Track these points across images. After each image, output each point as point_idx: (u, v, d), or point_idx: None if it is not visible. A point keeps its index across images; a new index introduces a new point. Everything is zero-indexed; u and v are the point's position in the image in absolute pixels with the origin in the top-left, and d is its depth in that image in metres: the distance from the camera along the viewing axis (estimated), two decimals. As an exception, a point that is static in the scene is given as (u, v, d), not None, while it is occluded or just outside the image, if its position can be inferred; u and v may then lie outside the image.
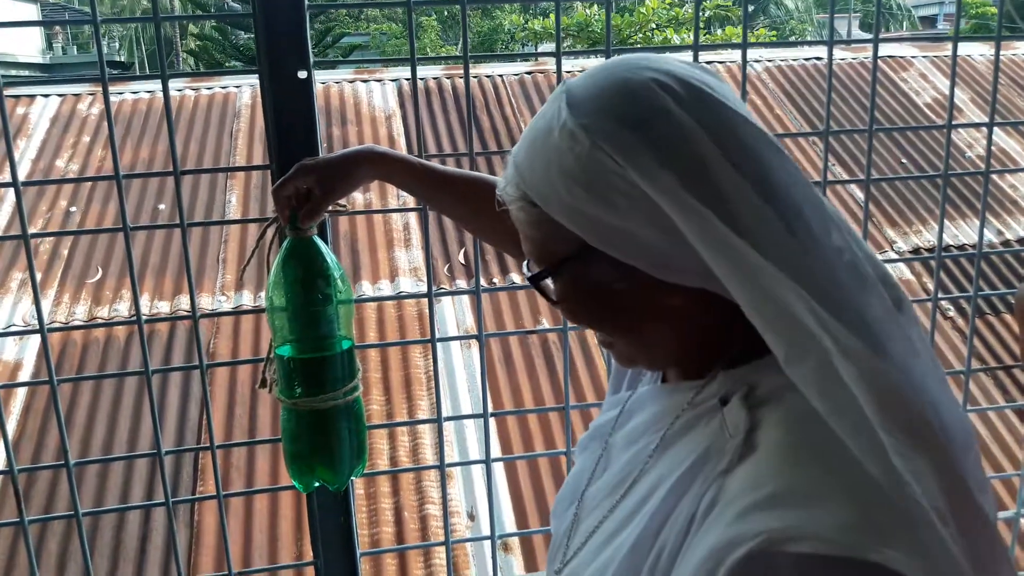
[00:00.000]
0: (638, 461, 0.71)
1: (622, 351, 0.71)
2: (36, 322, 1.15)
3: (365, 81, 4.44)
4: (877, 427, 0.55)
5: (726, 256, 0.59)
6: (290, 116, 1.11)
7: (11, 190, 3.54)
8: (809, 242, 0.60)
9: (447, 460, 1.32)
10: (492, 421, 2.83)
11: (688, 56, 1.22)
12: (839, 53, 4.87)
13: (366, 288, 3.36)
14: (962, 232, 3.92)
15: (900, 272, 3.67)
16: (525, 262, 0.73)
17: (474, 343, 3.20)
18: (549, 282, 0.71)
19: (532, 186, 0.66)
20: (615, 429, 0.79)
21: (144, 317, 1.18)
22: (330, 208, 1.08)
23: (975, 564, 0.55)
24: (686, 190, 0.60)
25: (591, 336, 3.27)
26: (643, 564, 0.64)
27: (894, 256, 3.74)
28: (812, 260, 0.59)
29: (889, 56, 4.91)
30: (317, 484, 1.08)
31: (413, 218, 3.70)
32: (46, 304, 3.18)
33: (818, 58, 4.87)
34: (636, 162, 0.61)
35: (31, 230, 1.13)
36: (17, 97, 4.11)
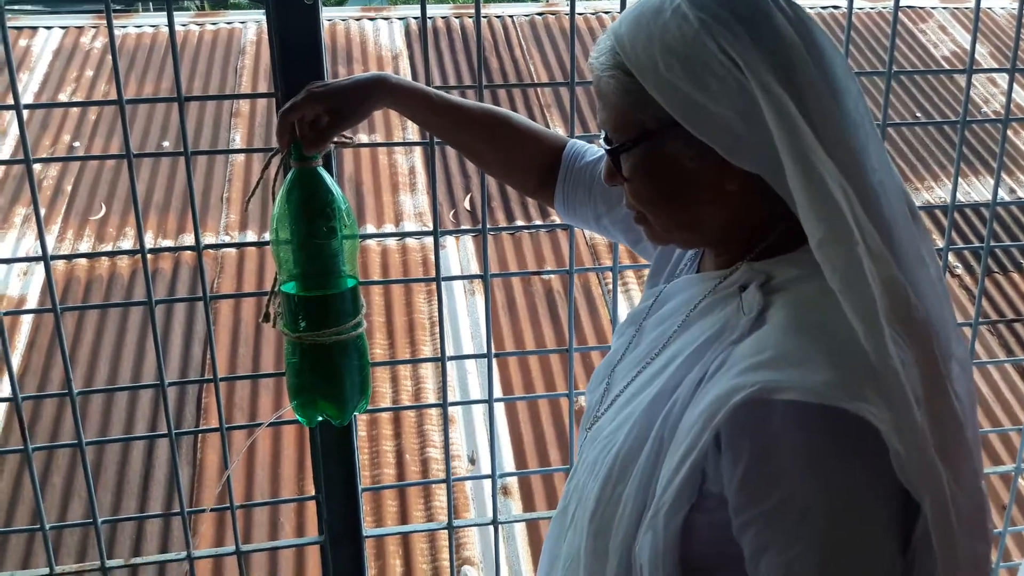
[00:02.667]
0: (663, 338, 0.81)
1: (662, 227, 0.79)
2: (40, 254, 1.14)
3: (372, 19, 4.36)
4: (882, 316, 0.64)
5: (795, 140, 0.67)
6: (296, 44, 1.08)
7: (14, 124, 3.51)
8: (858, 150, 0.70)
9: (450, 402, 1.31)
10: (495, 366, 2.84)
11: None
12: (858, 2, 4.77)
13: (370, 231, 3.34)
14: (974, 189, 3.87)
15: (909, 227, 3.64)
16: (602, 135, 0.79)
17: (478, 291, 3.19)
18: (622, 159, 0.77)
19: (631, 56, 0.72)
20: (649, 314, 0.87)
21: (148, 249, 1.17)
22: (336, 139, 1.06)
23: (939, 449, 0.64)
24: (775, 79, 0.68)
25: (595, 284, 3.25)
26: (659, 415, 0.74)
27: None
28: (859, 166, 0.69)
29: (908, 6, 4.81)
30: (320, 418, 1.08)
31: (419, 161, 3.66)
32: (50, 240, 3.17)
33: (835, 7, 4.77)
34: (736, 50, 0.68)
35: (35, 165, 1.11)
36: (19, 28, 4.05)
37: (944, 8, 4.86)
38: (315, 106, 0.96)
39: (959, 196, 3.80)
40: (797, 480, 0.64)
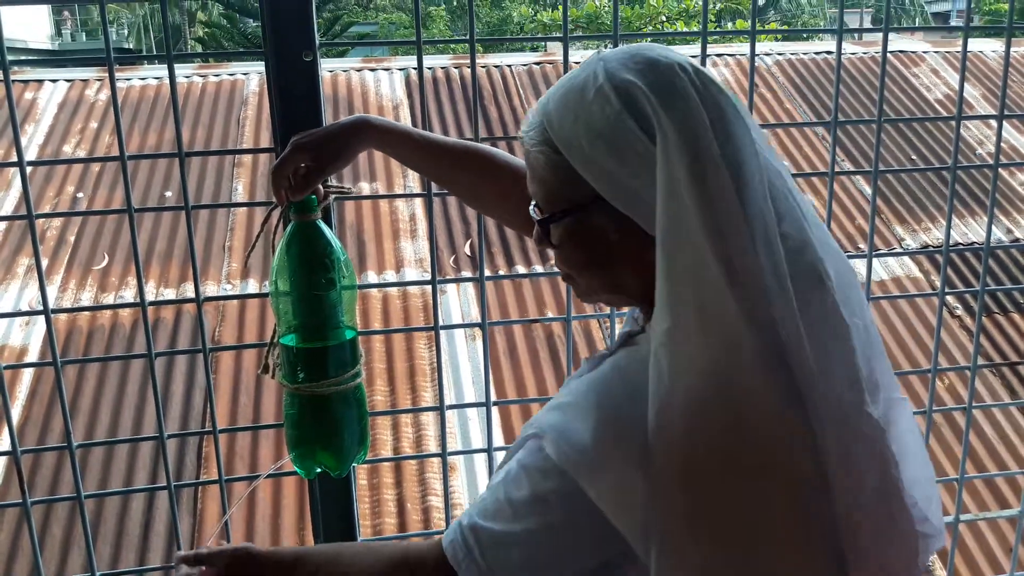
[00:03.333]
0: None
1: (587, 289, 0.83)
2: (41, 306, 1.15)
3: (373, 70, 4.43)
4: (654, 417, 0.71)
5: (670, 224, 0.71)
6: (295, 98, 1.10)
7: (18, 177, 3.55)
8: (756, 221, 0.72)
9: (450, 451, 1.31)
10: (496, 413, 2.82)
11: (696, 48, 1.22)
12: (850, 48, 4.84)
13: (371, 278, 3.36)
14: (971, 230, 3.90)
15: (908, 270, 3.65)
16: (533, 204, 0.82)
17: (478, 337, 3.19)
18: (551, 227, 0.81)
19: (559, 134, 0.76)
20: None
21: (148, 301, 1.18)
22: (335, 191, 1.08)
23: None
24: (680, 158, 0.70)
25: (596, 328, 3.26)
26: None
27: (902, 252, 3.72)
28: (748, 241, 0.71)
29: (900, 51, 4.88)
30: (319, 470, 1.08)
31: (419, 208, 3.69)
32: (52, 290, 3.19)
33: (828, 52, 4.85)
34: (654, 128, 0.71)
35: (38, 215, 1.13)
36: (26, 82, 4.11)
37: (936, 52, 4.94)
38: (301, 157, 0.98)
39: (956, 237, 3.82)
40: (523, 513, 0.76)
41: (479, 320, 3.08)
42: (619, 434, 0.73)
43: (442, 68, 4.47)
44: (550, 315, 3.27)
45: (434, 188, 1.20)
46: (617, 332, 0.97)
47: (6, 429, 2.75)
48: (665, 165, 0.70)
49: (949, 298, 3.47)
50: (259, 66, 4.50)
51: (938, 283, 3.54)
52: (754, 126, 0.77)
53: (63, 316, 3.11)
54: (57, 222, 3.47)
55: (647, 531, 0.71)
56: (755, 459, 0.69)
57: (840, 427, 0.72)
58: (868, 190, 4.01)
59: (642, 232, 0.74)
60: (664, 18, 10.80)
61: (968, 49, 1.35)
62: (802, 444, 0.69)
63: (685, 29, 10.36)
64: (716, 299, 0.69)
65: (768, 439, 0.69)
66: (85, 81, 4.21)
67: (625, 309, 1.00)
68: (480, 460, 2.77)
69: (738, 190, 0.71)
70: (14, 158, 1.10)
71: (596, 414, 0.75)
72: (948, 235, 1.39)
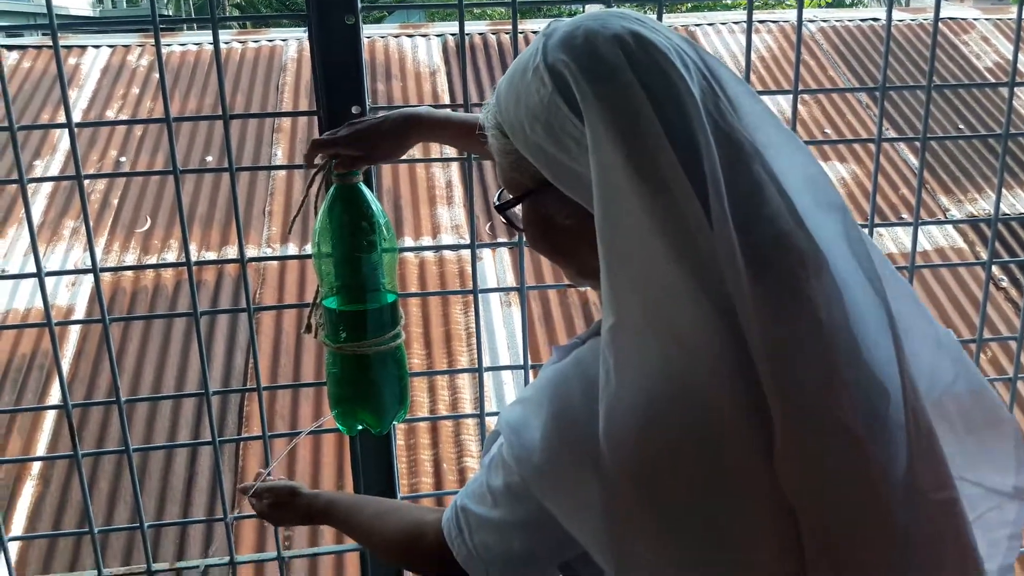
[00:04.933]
0: None
1: (566, 274, 0.80)
2: (88, 266, 1.18)
3: (411, 36, 4.42)
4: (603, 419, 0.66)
5: (605, 209, 0.65)
6: (337, 63, 1.11)
7: (64, 140, 3.62)
8: (706, 197, 0.63)
9: (487, 412, 1.33)
10: (531, 376, 2.84)
11: (737, 15, 1.20)
12: (897, 14, 4.72)
13: (408, 244, 3.38)
14: (1020, 201, 3.81)
15: (952, 240, 3.58)
16: (499, 191, 0.80)
17: (514, 302, 3.21)
18: (517, 210, 0.78)
19: (505, 117, 0.73)
20: None
21: (193, 262, 1.20)
22: None
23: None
24: (611, 139, 0.64)
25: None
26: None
27: (947, 222, 3.65)
28: (703, 241, 0.63)
29: (950, 17, 4.74)
30: (360, 427, 1.10)
31: (456, 175, 3.70)
32: (97, 252, 3.25)
33: (874, 19, 4.73)
34: (584, 114, 0.66)
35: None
36: (70, 47, 4.17)
37: (987, 19, 4.79)
38: (355, 147, 1.01)
39: (1003, 208, 3.73)
40: (501, 502, 0.75)
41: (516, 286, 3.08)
42: (570, 436, 0.69)
43: (479, 34, 4.44)
44: (586, 283, 3.26)
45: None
46: None
47: (55, 385, 2.83)
48: (596, 149, 0.65)
49: (995, 270, 3.40)
50: (298, 32, 4.51)
51: (983, 254, 3.48)
52: (740, 94, 0.69)
53: (107, 278, 3.17)
54: (101, 185, 3.53)
55: (602, 539, 0.67)
56: (709, 467, 0.63)
57: (806, 435, 0.62)
58: (912, 160, 3.93)
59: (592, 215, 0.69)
60: (706, -17, 10.59)
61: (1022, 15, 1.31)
62: (760, 453, 0.61)
63: (727, -6, 10.16)
64: (665, 294, 0.63)
65: (723, 447, 0.62)
66: (127, 47, 4.25)
67: None
68: (514, 425, 2.79)
69: (689, 171, 0.63)
70: (61, 122, 1.12)
71: (549, 411, 0.71)
72: (998, 203, 1.36)
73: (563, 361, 0.75)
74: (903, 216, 3.62)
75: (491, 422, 2.75)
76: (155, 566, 1.33)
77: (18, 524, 2.49)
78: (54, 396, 2.81)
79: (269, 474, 1.12)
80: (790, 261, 0.64)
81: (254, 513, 1.10)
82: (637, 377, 0.64)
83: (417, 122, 1.04)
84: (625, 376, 0.64)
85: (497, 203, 0.79)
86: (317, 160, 1.05)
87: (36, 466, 2.62)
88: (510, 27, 1.10)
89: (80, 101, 3.87)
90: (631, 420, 0.63)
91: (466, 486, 0.80)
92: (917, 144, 3.97)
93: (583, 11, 0.79)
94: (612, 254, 0.66)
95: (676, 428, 0.63)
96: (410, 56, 4.27)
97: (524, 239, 0.85)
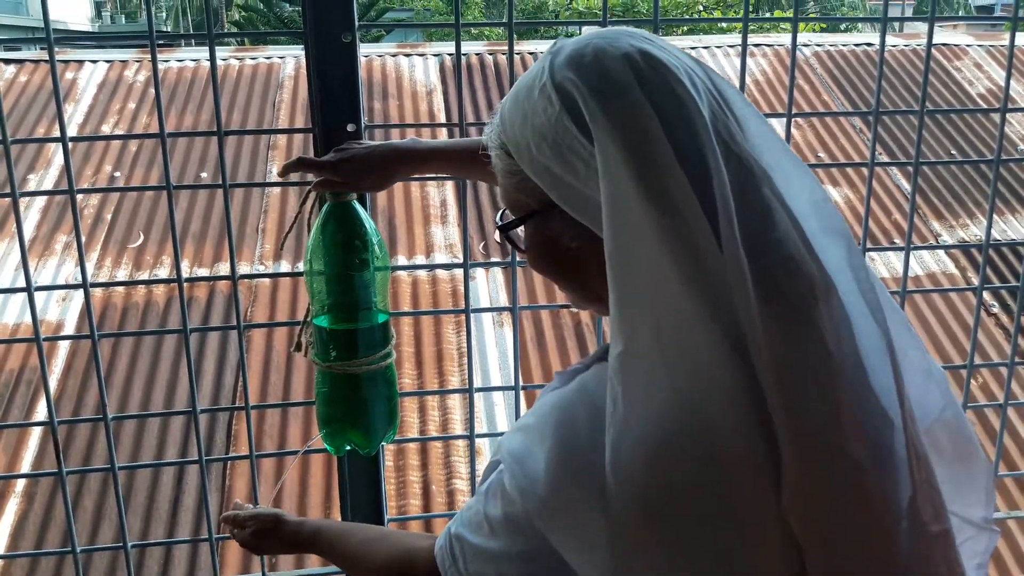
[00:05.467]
0: None
1: (570, 298, 0.79)
2: (79, 281, 1.17)
3: (408, 55, 4.43)
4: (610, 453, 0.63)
5: (614, 236, 0.64)
6: (334, 80, 1.11)
7: (59, 155, 3.61)
8: (719, 218, 0.62)
9: (477, 434, 1.32)
10: (522, 397, 2.84)
11: (732, 38, 1.20)
12: (890, 40, 4.76)
13: (402, 263, 3.38)
14: (1011, 228, 3.82)
15: (944, 266, 3.60)
16: (500, 211, 0.78)
17: (506, 323, 3.20)
18: (520, 231, 0.77)
19: (510, 137, 0.72)
20: None
21: (184, 278, 1.19)
22: None
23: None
24: (622, 161, 0.63)
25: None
26: None
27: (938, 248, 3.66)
28: (712, 271, 0.61)
29: (943, 44, 4.79)
30: (349, 448, 1.09)
31: (451, 194, 3.70)
32: (88, 267, 3.23)
33: (868, 44, 4.77)
34: (593, 134, 0.64)
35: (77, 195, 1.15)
36: (67, 62, 4.17)
37: (979, 46, 4.84)
38: (336, 175, 1.02)
39: (995, 234, 3.75)
40: (498, 531, 0.72)
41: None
42: (576, 466, 0.66)
43: (476, 54, 4.47)
44: (579, 304, 3.26)
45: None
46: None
47: (42, 401, 2.80)
48: (605, 171, 0.64)
49: (986, 296, 3.41)
50: (295, 50, 4.52)
51: (974, 280, 3.49)
52: (747, 116, 0.68)
53: (98, 293, 3.15)
54: (95, 200, 3.52)
55: (607, 572, 0.65)
56: (719, 500, 0.61)
57: (814, 467, 0.61)
58: (905, 185, 3.95)
59: (600, 238, 0.67)
60: (702, 7, 10.70)
61: (1015, 43, 1.32)
62: (769, 485, 0.60)
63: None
64: (675, 320, 0.61)
65: (733, 480, 0.61)
66: (124, 62, 4.26)
67: None
68: (506, 446, 2.77)
69: (699, 193, 0.62)
70: (56, 134, 1.11)
71: (553, 440, 0.68)
72: (989, 229, 1.36)
73: (566, 387, 0.72)
74: (895, 241, 3.63)
75: (481, 444, 2.74)
76: (139, 587, 1.30)
77: (0, 542, 2.46)
78: (40, 413, 2.78)
79: (256, 504, 1.10)
80: (799, 286, 0.63)
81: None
82: (646, 407, 0.62)
83: (403, 156, 1.04)
84: (634, 406, 0.62)
85: (499, 223, 0.77)
86: (308, 176, 1.05)
87: (20, 483, 2.59)
88: (506, 47, 1.10)
89: (76, 116, 3.86)
90: (640, 451, 0.62)
91: (460, 513, 0.77)
92: (910, 169, 4.00)
93: (579, 32, 0.78)
94: (621, 279, 0.64)
95: (686, 460, 0.61)
96: (407, 75, 4.29)
97: (522, 260, 0.84)
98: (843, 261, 0.66)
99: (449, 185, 3.73)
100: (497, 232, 0.78)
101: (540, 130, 0.68)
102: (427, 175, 1.10)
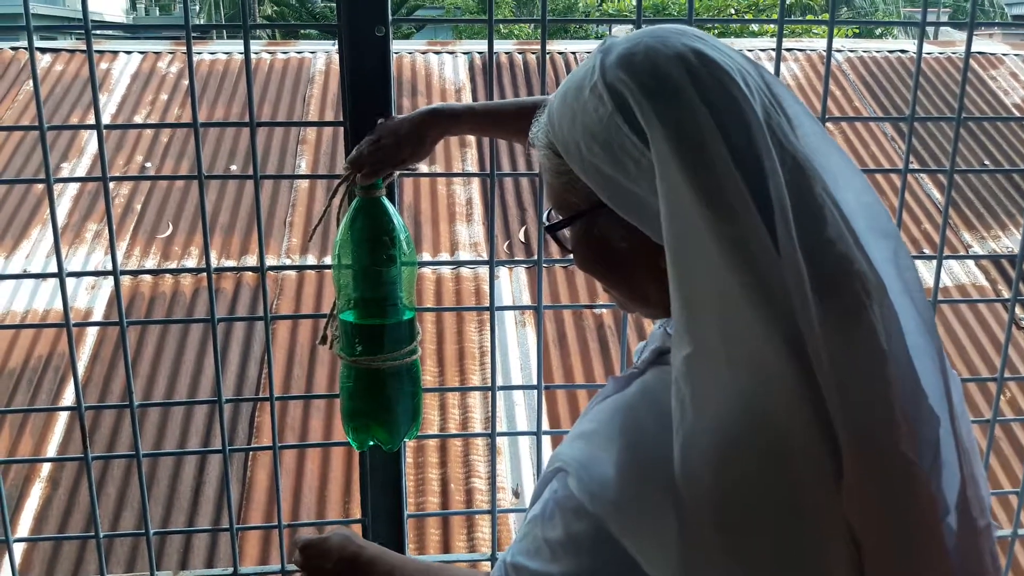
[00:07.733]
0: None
1: (617, 299, 0.79)
2: (109, 269, 1.18)
3: (437, 53, 4.44)
4: (680, 455, 0.63)
5: (675, 240, 0.63)
6: (366, 72, 1.11)
7: (92, 143, 3.65)
8: (777, 219, 0.62)
9: (498, 432, 1.32)
10: (543, 398, 2.84)
11: (768, 43, 1.19)
12: (925, 47, 4.70)
13: (427, 260, 3.38)
14: (1044, 240, 3.76)
15: (974, 277, 3.54)
16: (547, 211, 0.78)
17: (529, 323, 3.19)
18: (566, 231, 0.76)
19: (558, 136, 0.71)
20: None
21: (213, 268, 1.20)
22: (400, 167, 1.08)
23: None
24: (677, 159, 0.63)
25: (648, 322, 3.23)
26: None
27: (969, 258, 3.60)
28: (768, 266, 0.62)
29: (978, 52, 4.72)
30: (371, 443, 1.09)
31: (476, 193, 3.70)
32: (118, 256, 3.27)
33: (902, 50, 4.71)
34: (647, 134, 0.64)
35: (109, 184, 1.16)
36: (101, 52, 4.22)
37: (1016, 55, 4.77)
38: (376, 159, 1.03)
39: (1028, 247, 3.69)
40: (560, 553, 0.69)
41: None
42: (647, 467, 0.66)
43: (506, 53, 4.46)
44: (602, 303, 3.25)
45: (497, 169, 1.20)
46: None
47: (69, 388, 2.84)
48: (664, 175, 0.63)
49: (1017, 309, 3.36)
50: (327, 45, 4.54)
51: (1005, 293, 3.43)
52: (799, 114, 0.68)
53: (126, 282, 3.19)
54: (125, 190, 3.56)
55: (677, 572, 0.64)
56: (786, 501, 0.62)
57: (871, 466, 0.62)
58: (936, 194, 3.90)
59: (650, 240, 0.68)
60: (733, 11, 10.63)
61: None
62: (831, 485, 0.61)
63: (754, 25, 10.18)
64: (739, 322, 0.62)
65: (799, 481, 0.62)
66: (158, 54, 4.30)
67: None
68: (524, 446, 2.77)
69: (755, 195, 0.62)
70: (89, 123, 1.12)
71: (621, 443, 0.68)
72: (1024, 241, 1.34)
73: (626, 391, 0.72)
74: (924, 251, 3.58)
75: (501, 443, 2.74)
76: (158, 574, 1.32)
77: (24, 525, 2.49)
78: (67, 399, 2.81)
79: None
80: (854, 286, 0.63)
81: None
82: (714, 409, 0.62)
83: (434, 114, 1.04)
84: (703, 408, 0.62)
85: (547, 224, 0.76)
86: (338, 169, 1.05)
87: (45, 468, 2.63)
88: (536, 47, 1.10)
89: (109, 106, 3.91)
90: (711, 452, 0.62)
91: (512, 545, 0.75)
92: (941, 179, 3.94)
93: (610, 32, 0.78)
94: (685, 282, 0.64)
95: (755, 461, 0.62)
96: (436, 72, 4.30)
97: (548, 259, 0.83)
98: (889, 261, 0.66)
99: (475, 183, 3.73)
100: (544, 231, 0.78)
101: (591, 129, 0.67)
102: (461, 134, 1.11)
